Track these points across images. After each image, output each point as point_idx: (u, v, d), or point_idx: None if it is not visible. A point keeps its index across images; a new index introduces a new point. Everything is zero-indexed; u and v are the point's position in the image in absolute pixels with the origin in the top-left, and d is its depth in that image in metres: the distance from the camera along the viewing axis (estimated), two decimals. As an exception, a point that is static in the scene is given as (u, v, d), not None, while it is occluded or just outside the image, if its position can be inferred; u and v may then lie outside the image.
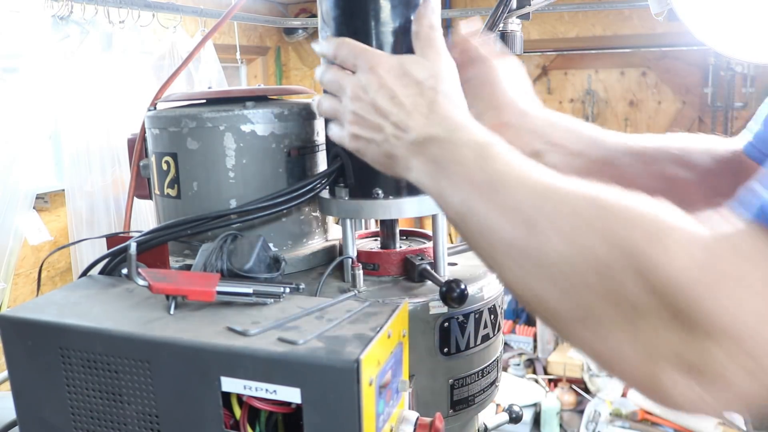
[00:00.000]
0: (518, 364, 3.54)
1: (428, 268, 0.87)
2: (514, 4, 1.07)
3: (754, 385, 0.43)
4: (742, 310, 0.42)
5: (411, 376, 0.75)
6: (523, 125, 0.82)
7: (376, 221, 1.04)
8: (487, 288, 0.89)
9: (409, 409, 0.71)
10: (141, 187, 1.04)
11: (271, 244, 0.84)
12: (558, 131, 0.82)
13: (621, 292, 0.46)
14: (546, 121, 0.83)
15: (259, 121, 0.90)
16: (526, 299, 0.54)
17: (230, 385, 0.59)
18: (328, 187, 0.90)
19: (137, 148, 1.02)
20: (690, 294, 0.43)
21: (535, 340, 3.75)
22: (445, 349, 0.85)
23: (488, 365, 0.91)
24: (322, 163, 0.98)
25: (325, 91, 0.76)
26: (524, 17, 1.12)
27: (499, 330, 0.93)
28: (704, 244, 0.44)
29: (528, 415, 3.10)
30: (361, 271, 0.86)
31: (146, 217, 2.22)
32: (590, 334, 0.49)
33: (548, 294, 0.51)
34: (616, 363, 0.49)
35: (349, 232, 0.89)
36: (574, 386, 3.34)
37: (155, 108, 1.00)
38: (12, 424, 0.80)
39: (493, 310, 0.90)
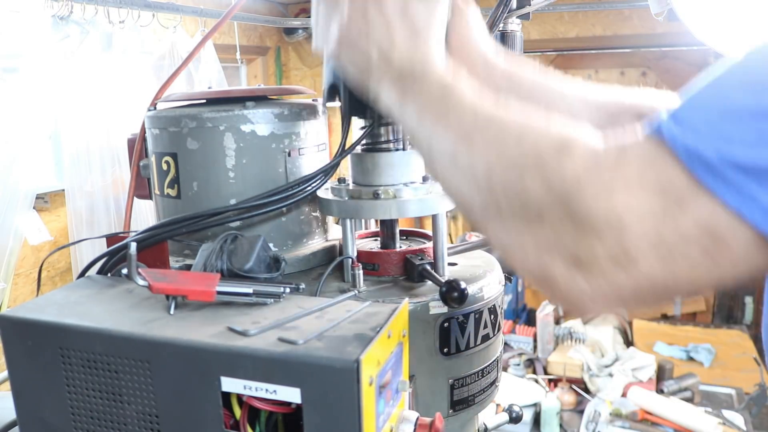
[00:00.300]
0: (518, 364, 3.53)
1: (428, 268, 0.87)
2: (514, 4, 1.07)
3: (624, 276, 0.48)
4: (619, 207, 0.47)
5: (411, 376, 0.75)
6: (489, 77, 0.86)
7: (376, 221, 1.04)
8: (487, 288, 0.89)
9: (409, 409, 0.71)
10: (141, 187, 1.04)
11: (271, 244, 0.84)
12: (524, 86, 0.86)
13: (529, 194, 0.52)
14: (513, 75, 0.87)
15: (259, 121, 0.90)
16: (455, 199, 0.64)
17: (230, 385, 0.59)
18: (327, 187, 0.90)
19: (137, 148, 1.02)
20: (580, 194, 0.49)
21: (535, 340, 3.75)
22: (445, 349, 0.85)
23: (488, 365, 0.91)
24: (322, 164, 0.98)
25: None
26: (524, 17, 1.12)
27: (499, 330, 0.93)
28: (600, 152, 0.50)
29: (528, 415, 3.09)
30: (361, 271, 0.86)
31: (146, 217, 2.22)
32: (500, 229, 0.56)
33: (472, 193, 0.59)
34: (518, 255, 0.56)
35: (349, 232, 0.89)
36: (574, 386, 3.33)
37: (155, 108, 1.00)
38: (12, 424, 0.80)
39: (493, 310, 0.90)
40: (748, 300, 4.43)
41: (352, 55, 0.72)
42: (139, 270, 0.69)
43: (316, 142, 0.98)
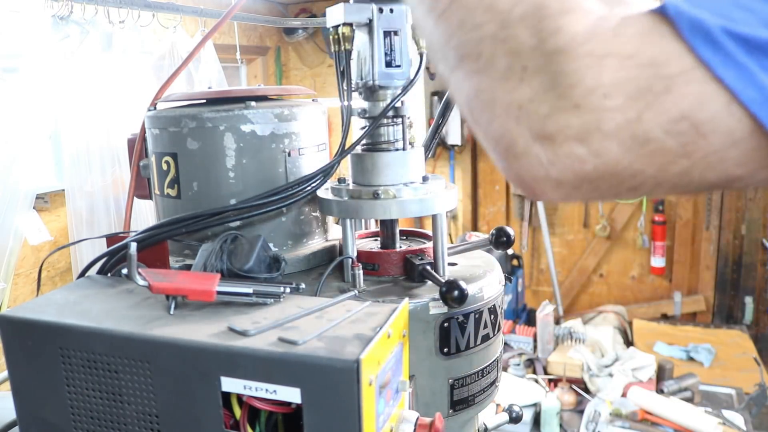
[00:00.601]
0: (518, 364, 3.53)
1: (428, 268, 0.87)
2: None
3: (590, 157, 0.46)
4: (607, 84, 0.44)
5: (411, 376, 0.75)
6: None
7: (376, 221, 1.04)
8: (487, 288, 0.89)
9: (409, 409, 0.71)
10: (141, 187, 1.04)
11: (271, 244, 0.84)
12: None
13: (519, 44, 0.47)
14: None
15: (259, 121, 0.90)
16: (430, 32, 0.55)
17: (230, 385, 0.59)
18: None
19: (137, 148, 1.02)
20: (571, 60, 0.45)
21: (535, 340, 3.75)
22: (445, 349, 0.85)
23: (488, 365, 0.91)
24: (322, 164, 0.98)
25: None
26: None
27: (499, 330, 0.93)
28: (602, 17, 0.46)
29: (528, 415, 3.09)
30: (361, 271, 0.86)
31: (146, 217, 2.22)
32: (475, 73, 0.50)
33: (452, 30, 0.52)
34: (484, 114, 0.51)
35: (349, 232, 0.89)
36: (574, 386, 3.33)
37: (155, 108, 1.00)
38: (12, 424, 0.80)
39: (493, 310, 0.90)
40: (748, 300, 4.43)
41: None
42: (139, 270, 0.69)
43: (316, 142, 0.98)
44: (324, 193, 0.93)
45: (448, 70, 0.54)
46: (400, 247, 0.96)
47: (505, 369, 3.52)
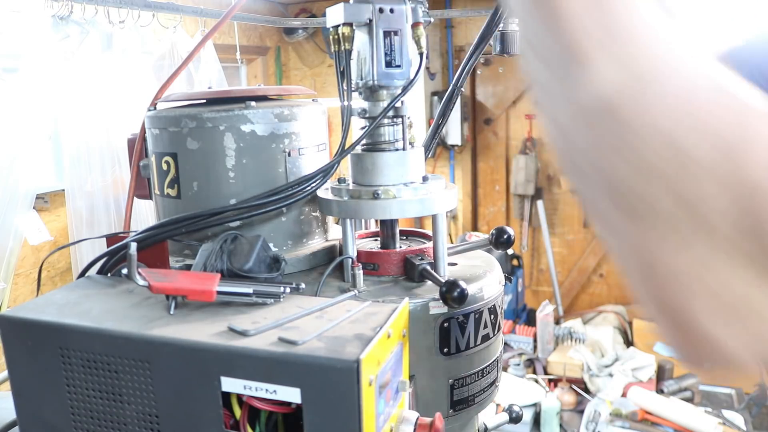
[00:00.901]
0: (518, 364, 3.53)
1: (428, 268, 0.87)
2: (514, 4, 1.06)
3: None
4: None
5: (411, 376, 0.75)
6: None
7: (376, 221, 1.04)
8: (487, 288, 0.89)
9: (409, 409, 0.71)
10: (141, 187, 1.04)
11: (271, 244, 0.84)
12: None
13: (709, 206, 0.35)
14: None
15: (259, 121, 0.90)
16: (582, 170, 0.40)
17: (230, 385, 0.59)
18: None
19: (137, 148, 1.02)
20: None
21: (535, 340, 3.75)
22: (445, 349, 0.85)
23: (488, 365, 0.91)
24: (322, 164, 0.98)
25: None
26: (524, 17, 1.12)
27: (499, 330, 0.93)
28: None
29: (528, 415, 3.09)
30: (361, 271, 0.86)
31: (146, 217, 2.22)
32: (653, 238, 0.38)
33: (621, 172, 0.37)
34: (674, 291, 0.38)
35: (349, 232, 0.89)
36: (574, 386, 3.33)
37: (155, 108, 1.00)
38: (12, 424, 0.80)
39: (493, 310, 0.90)
40: (748, 300, 4.43)
41: None
42: (139, 270, 0.69)
43: (316, 142, 0.98)
44: (324, 193, 0.93)
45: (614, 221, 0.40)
46: (400, 247, 0.96)
47: (505, 369, 3.52)
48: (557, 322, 4.00)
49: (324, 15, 0.94)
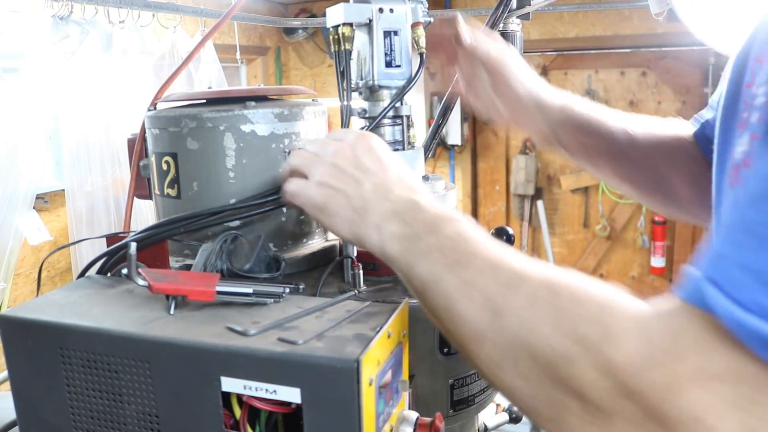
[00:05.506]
0: (518, 364, 3.54)
1: (428, 268, 0.87)
2: (514, 4, 1.07)
3: None
4: (695, 406, 0.41)
5: (411, 376, 0.75)
6: (542, 116, 0.92)
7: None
8: (487, 288, 0.89)
9: (409, 409, 0.71)
10: (141, 187, 1.04)
11: (271, 244, 0.84)
12: (572, 125, 0.92)
13: (584, 386, 0.45)
14: (561, 113, 0.93)
15: (259, 121, 0.90)
16: (498, 387, 0.54)
17: (230, 385, 0.59)
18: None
19: (137, 148, 1.02)
20: (646, 388, 0.42)
21: (535, 340, 3.75)
22: (445, 349, 0.85)
23: (488, 365, 0.91)
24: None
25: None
26: (524, 17, 1.12)
27: (499, 330, 0.93)
28: (651, 336, 0.44)
29: (528, 415, 3.10)
30: (361, 271, 0.86)
31: (146, 217, 2.22)
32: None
33: (518, 384, 0.50)
34: None
35: (349, 232, 0.89)
36: (574, 386, 3.34)
37: (155, 108, 1.00)
38: (12, 424, 0.80)
39: (493, 310, 0.90)
40: (748, 300, 4.43)
41: (338, 183, 0.67)
42: (139, 270, 0.69)
43: (316, 142, 0.98)
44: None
45: (539, 423, 0.52)
46: (400, 247, 0.96)
47: (505, 369, 3.51)
48: (557, 322, 3.99)
49: (324, 15, 0.94)
